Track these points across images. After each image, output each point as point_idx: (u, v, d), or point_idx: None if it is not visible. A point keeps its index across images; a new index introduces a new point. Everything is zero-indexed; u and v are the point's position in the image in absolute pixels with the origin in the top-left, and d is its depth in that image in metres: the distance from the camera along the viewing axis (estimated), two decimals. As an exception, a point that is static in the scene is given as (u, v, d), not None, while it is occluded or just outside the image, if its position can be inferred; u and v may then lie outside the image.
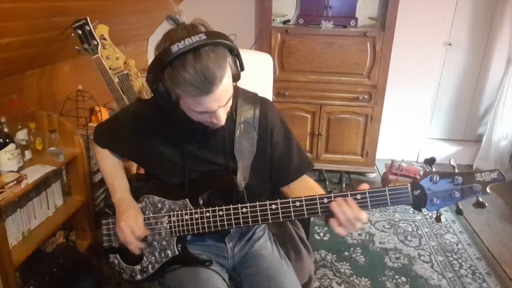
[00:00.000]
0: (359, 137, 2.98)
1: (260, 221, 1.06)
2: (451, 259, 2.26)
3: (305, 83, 2.87)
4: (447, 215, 2.68)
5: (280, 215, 1.04)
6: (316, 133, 2.97)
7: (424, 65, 3.20)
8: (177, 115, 1.07)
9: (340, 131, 2.97)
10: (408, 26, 3.03)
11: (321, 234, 2.43)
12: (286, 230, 1.40)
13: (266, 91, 1.60)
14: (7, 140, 1.57)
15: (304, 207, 1.02)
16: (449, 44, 3.27)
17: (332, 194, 1.01)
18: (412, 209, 2.68)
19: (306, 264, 1.31)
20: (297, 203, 1.03)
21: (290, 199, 1.04)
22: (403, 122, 3.37)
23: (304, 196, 1.03)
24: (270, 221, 1.05)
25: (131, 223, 1.12)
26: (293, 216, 1.03)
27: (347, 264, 2.18)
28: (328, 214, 1.02)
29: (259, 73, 1.66)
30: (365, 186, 1.00)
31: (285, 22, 2.95)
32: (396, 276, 2.10)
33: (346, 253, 2.27)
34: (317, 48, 2.78)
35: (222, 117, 1.00)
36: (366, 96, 2.87)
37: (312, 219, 2.44)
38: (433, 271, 2.15)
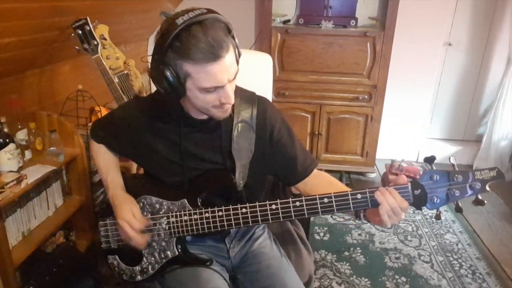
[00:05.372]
0: (359, 137, 2.98)
1: (260, 221, 1.06)
2: (451, 259, 2.26)
3: (305, 83, 2.87)
4: (447, 215, 2.68)
5: (280, 215, 1.04)
6: (316, 133, 2.98)
7: (424, 65, 3.20)
8: (177, 109, 1.07)
9: (340, 131, 2.97)
10: (408, 26, 3.03)
11: (321, 234, 2.43)
12: (286, 230, 1.40)
13: (266, 91, 1.61)
14: (7, 140, 1.57)
15: (305, 207, 1.02)
16: (449, 44, 3.27)
17: (332, 194, 1.01)
18: (412, 208, 2.70)
19: (306, 264, 1.32)
20: (297, 203, 1.03)
21: (290, 199, 1.03)
22: (403, 122, 3.37)
23: (304, 197, 1.03)
24: (270, 221, 1.05)
25: (127, 219, 1.11)
26: (293, 216, 1.03)
27: (347, 264, 2.18)
28: (330, 213, 1.02)
29: (259, 73, 1.66)
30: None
31: (285, 22, 2.95)
32: (396, 276, 2.10)
33: (346, 253, 2.27)
34: (317, 48, 2.78)
35: (231, 93, 1.00)
36: (366, 96, 2.87)
37: (312, 219, 2.44)
38: (433, 271, 2.15)
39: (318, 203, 1.01)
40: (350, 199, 1.00)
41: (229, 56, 0.95)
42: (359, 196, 1.00)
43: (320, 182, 1.18)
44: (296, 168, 1.19)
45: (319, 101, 2.90)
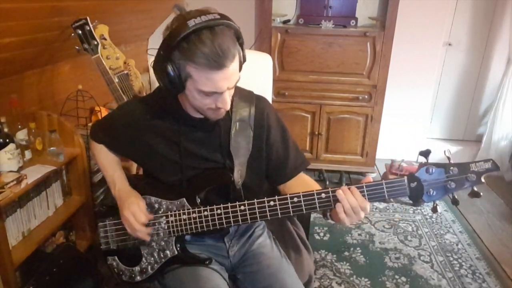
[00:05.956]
0: (359, 137, 2.98)
1: (258, 218, 1.06)
2: (451, 259, 2.26)
3: (305, 83, 2.87)
4: (447, 215, 2.68)
5: (279, 212, 1.05)
6: (316, 133, 2.98)
7: (424, 65, 3.20)
8: (175, 105, 1.08)
9: (340, 131, 2.97)
10: (408, 26, 3.03)
11: (321, 234, 2.43)
12: (286, 229, 1.40)
13: (266, 91, 1.61)
14: (7, 140, 1.57)
15: (302, 203, 1.03)
16: (449, 44, 3.27)
17: (329, 189, 1.02)
18: (412, 208, 2.71)
19: (306, 263, 1.31)
20: (295, 199, 1.03)
21: (288, 195, 1.04)
22: (403, 122, 3.37)
23: (302, 192, 1.04)
24: (269, 217, 1.06)
25: (134, 210, 1.12)
26: (291, 212, 1.04)
27: (347, 264, 2.18)
28: (326, 209, 1.04)
29: (259, 73, 1.66)
30: (368, 179, 1.02)
31: (285, 22, 2.95)
32: (396, 276, 2.10)
33: (346, 253, 2.27)
34: (317, 48, 2.78)
35: (228, 100, 1.01)
36: (366, 96, 2.87)
37: (312, 219, 2.44)
38: (433, 271, 2.15)
39: (316, 199, 1.02)
40: None
41: (232, 66, 0.96)
42: None
43: (297, 184, 1.21)
44: (285, 170, 1.21)
45: (319, 101, 2.90)
